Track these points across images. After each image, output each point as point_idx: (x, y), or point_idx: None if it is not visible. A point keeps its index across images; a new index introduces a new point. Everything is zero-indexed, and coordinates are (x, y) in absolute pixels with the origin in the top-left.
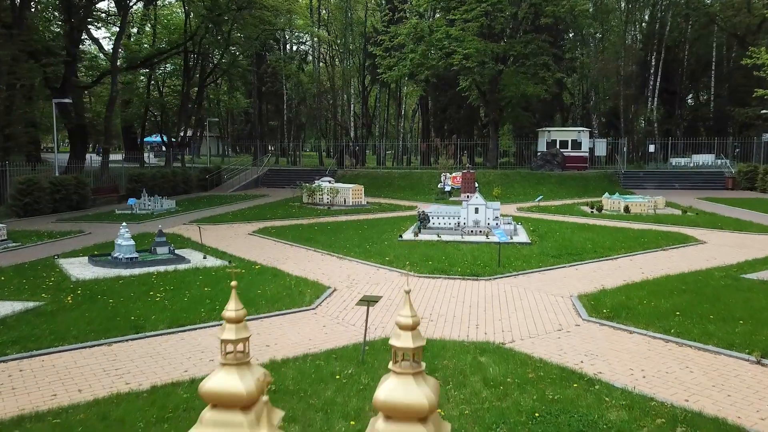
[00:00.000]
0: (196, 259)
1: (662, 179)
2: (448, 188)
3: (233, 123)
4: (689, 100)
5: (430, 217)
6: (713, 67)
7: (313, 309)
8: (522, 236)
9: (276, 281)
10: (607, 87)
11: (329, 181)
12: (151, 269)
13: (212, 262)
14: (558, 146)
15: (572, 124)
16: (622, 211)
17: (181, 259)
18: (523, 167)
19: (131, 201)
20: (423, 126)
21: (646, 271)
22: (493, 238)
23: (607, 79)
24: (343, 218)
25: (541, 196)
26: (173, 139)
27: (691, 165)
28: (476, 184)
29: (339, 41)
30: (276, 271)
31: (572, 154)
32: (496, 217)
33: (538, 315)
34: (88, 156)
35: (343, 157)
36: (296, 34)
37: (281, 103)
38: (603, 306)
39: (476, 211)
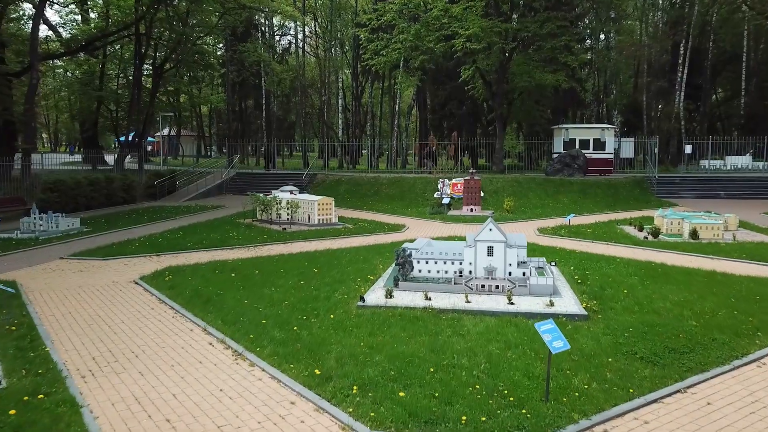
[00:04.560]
0: None
1: (702, 186)
2: (447, 199)
3: (219, 121)
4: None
5: (414, 261)
6: (744, 59)
7: None
8: (567, 297)
9: None
10: (623, 81)
11: (290, 192)
12: None
13: None
14: (577, 147)
15: (583, 122)
16: (686, 236)
17: None
18: (532, 170)
19: None
20: (420, 124)
21: None
22: (521, 304)
23: (626, 71)
24: (297, 248)
25: (572, 215)
26: (133, 139)
27: (727, 168)
28: (482, 194)
29: (326, 28)
30: (54, 424)
31: (594, 156)
32: (523, 261)
33: None
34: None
35: (328, 158)
36: (278, 21)
37: (261, 98)
38: None
39: (490, 251)
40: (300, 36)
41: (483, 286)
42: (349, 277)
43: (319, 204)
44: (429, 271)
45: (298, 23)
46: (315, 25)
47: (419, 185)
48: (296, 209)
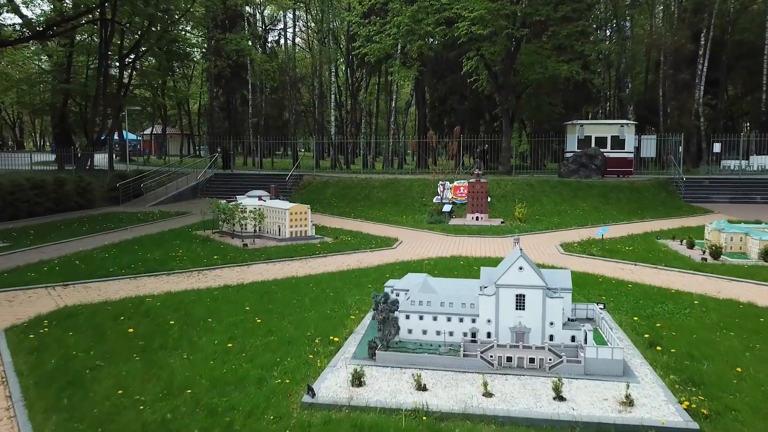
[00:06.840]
0: None
1: (734, 188)
2: (448, 206)
3: (209, 119)
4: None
5: (402, 315)
6: (765, 53)
7: None
8: (647, 382)
9: None
10: (635, 75)
11: (259, 197)
12: None
13: None
14: (593, 145)
15: (593, 118)
16: (755, 256)
17: None
18: (539, 171)
19: None
20: (418, 121)
21: None
22: (578, 398)
23: (638, 65)
24: (252, 274)
25: (606, 228)
26: (100, 137)
27: (753, 168)
28: (488, 199)
29: (319, 18)
30: None
31: (613, 155)
32: (572, 319)
33: None
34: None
35: (319, 158)
36: (268, 12)
37: (247, 93)
38: None
39: (519, 302)
40: (290, 27)
41: (509, 358)
42: (305, 333)
43: (291, 213)
44: (424, 332)
45: (288, 13)
46: (308, 18)
47: (416, 188)
48: (262, 219)
